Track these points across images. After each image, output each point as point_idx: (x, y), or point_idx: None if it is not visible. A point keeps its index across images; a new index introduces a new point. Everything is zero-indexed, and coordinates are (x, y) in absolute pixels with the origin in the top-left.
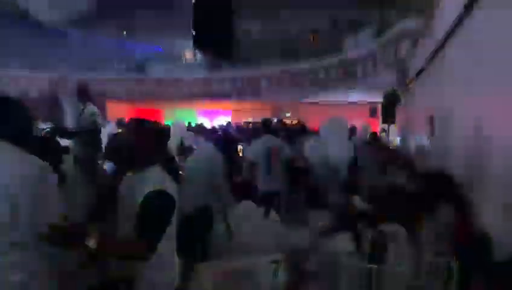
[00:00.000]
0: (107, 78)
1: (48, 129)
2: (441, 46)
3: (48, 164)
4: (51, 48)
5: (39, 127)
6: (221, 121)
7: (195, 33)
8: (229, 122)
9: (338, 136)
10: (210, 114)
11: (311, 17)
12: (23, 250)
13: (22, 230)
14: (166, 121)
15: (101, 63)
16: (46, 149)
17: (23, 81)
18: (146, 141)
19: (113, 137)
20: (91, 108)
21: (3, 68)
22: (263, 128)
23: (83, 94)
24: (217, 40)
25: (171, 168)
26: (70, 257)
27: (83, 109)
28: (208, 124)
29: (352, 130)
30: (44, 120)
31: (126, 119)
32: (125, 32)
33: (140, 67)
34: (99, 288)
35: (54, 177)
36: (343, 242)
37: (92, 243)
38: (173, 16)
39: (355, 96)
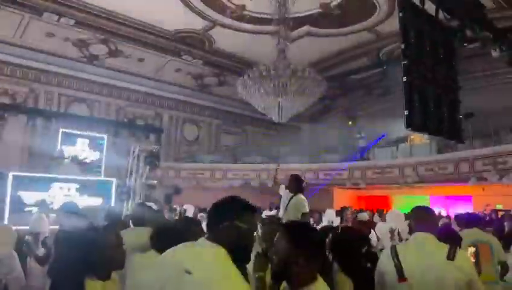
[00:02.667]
0: (331, 166)
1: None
2: None
3: None
4: (284, 141)
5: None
6: (459, 209)
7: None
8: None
9: None
10: (446, 200)
11: None
12: None
13: None
14: (395, 209)
15: (329, 152)
16: None
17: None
18: None
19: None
20: (299, 197)
21: (247, 161)
22: None
23: (293, 184)
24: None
25: None
26: None
27: (291, 197)
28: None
29: None
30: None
31: (350, 206)
32: (350, 122)
33: (364, 153)
34: None
35: None
36: None
37: None
38: (395, 100)
39: None
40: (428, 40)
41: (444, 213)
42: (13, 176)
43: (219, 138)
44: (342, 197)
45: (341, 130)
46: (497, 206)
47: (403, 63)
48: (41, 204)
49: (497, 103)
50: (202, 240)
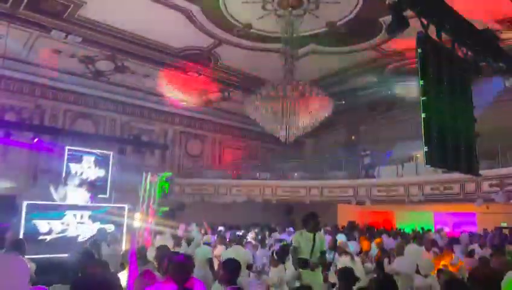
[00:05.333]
0: (336, 183)
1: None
2: None
3: None
4: (288, 156)
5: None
6: (463, 226)
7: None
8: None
9: None
10: (450, 217)
11: None
12: None
13: None
14: (398, 224)
15: (332, 168)
16: None
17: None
18: None
19: None
20: (321, 236)
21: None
22: None
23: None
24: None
25: None
26: None
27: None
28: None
29: None
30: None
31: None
32: (353, 137)
33: (369, 170)
34: None
35: None
36: None
37: None
38: (399, 117)
39: None
40: (446, 75)
41: (447, 229)
42: (27, 204)
43: (223, 153)
44: (346, 213)
45: (345, 145)
46: (501, 224)
47: (421, 99)
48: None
49: (504, 122)
50: None
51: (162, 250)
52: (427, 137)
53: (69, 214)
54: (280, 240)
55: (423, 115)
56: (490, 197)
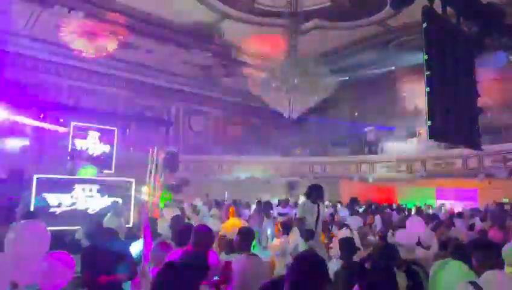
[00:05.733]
0: (339, 159)
1: None
2: None
3: None
4: (291, 135)
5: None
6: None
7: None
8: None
9: None
10: (450, 193)
11: None
12: None
13: None
14: (400, 200)
15: (335, 144)
16: None
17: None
18: None
19: None
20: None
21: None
22: None
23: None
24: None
25: None
26: None
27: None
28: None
29: None
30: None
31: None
32: (356, 114)
33: (372, 147)
34: None
35: None
36: None
37: None
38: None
39: None
40: (450, 51)
41: (448, 206)
42: (37, 178)
43: (226, 130)
44: (348, 189)
45: (349, 122)
46: (503, 200)
47: (426, 74)
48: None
49: (507, 97)
50: None
51: (176, 220)
52: (431, 111)
53: (77, 187)
54: (283, 214)
55: (427, 89)
56: (492, 173)
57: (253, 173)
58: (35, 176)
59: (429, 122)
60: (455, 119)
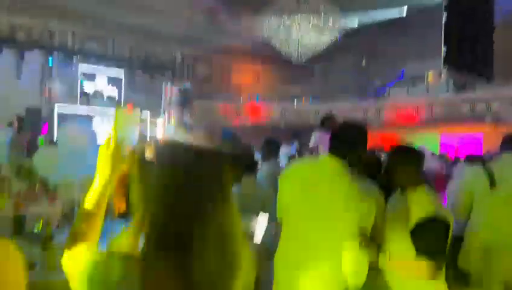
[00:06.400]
0: (343, 106)
1: None
2: None
3: None
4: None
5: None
6: (469, 147)
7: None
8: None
9: None
10: (455, 140)
11: None
12: None
13: None
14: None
15: (343, 92)
16: None
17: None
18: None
19: None
20: None
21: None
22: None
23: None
24: (473, 57)
25: None
26: None
27: None
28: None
29: None
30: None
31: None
32: (364, 62)
33: (381, 93)
34: None
35: None
36: None
37: None
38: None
39: None
40: None
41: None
42: (58, 113)
43: (231, 77)
44: None
45: (355, 70)
46: None
47: (444, 4)
48: None
49: None
50: None
51: None
52: (447, 38)
53: (96, 120)
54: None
55: (444, 16)
56: (500, 117)
57: (258, 120)
58: (56, 109)
59: (444, 49)
60: (470, 47)
